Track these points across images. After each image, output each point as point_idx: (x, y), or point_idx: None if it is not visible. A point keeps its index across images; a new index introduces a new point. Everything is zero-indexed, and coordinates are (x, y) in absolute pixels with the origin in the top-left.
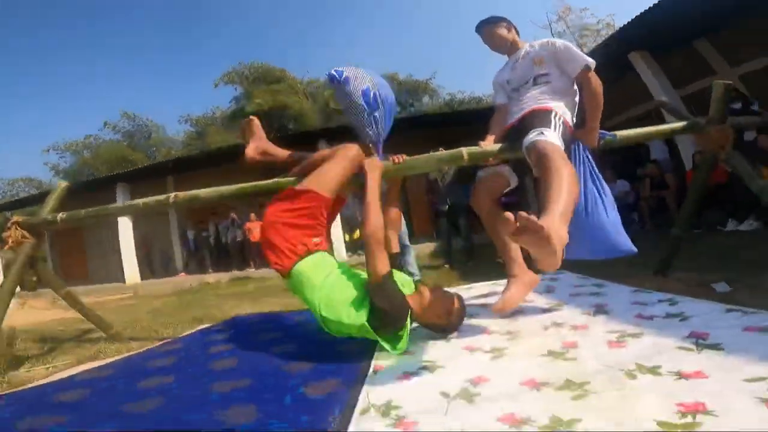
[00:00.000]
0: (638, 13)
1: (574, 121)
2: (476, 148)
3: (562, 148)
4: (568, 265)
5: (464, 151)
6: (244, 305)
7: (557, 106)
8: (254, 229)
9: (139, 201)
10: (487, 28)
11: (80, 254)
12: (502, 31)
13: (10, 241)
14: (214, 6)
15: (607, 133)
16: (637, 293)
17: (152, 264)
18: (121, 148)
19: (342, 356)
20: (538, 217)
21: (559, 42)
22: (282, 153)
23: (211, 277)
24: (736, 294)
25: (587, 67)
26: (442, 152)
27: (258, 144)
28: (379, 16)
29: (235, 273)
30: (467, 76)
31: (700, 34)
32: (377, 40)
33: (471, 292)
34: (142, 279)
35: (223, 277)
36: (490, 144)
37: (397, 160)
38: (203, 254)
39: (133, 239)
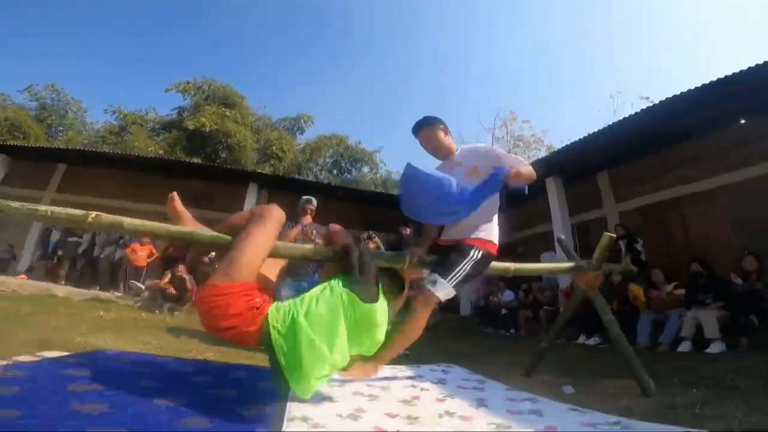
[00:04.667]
0: (560, 147)
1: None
2: (421, 258)
3: (448, 296)
4: (459, 359)
5: (407, 258)
6: (103, 336)
7: (484, 234)
8: (139, 252)
9: (47, 210)
10: (426, 129)
11: None
12: (440, 135)
13: None
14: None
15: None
16: (509, 391)
17: None
18: (23, 116)
19: (239, 419)
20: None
21: (487, 147)
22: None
23: (61, 290)
24: (578, 395)
25: (519, 163)
26: (389, 252)
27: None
28: (349, 76)
29: (97, 293)
30: (407, 157)
31: (603, 168)
32: (342, 98)
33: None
34: None
35: (78, 293)
36: (422, 251)
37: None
38: (62, 263)
39: None
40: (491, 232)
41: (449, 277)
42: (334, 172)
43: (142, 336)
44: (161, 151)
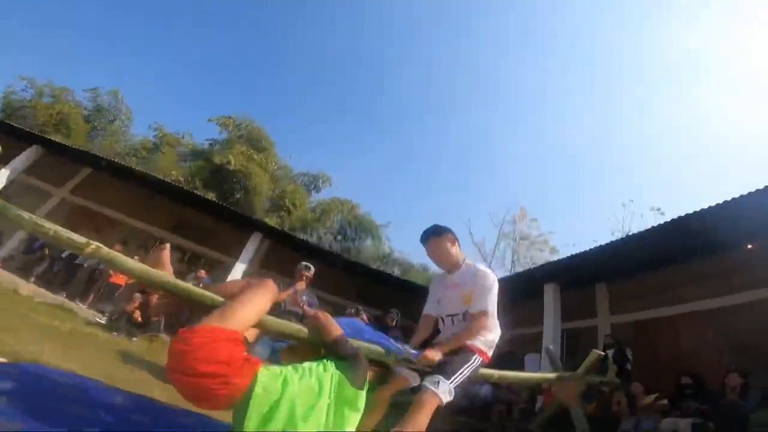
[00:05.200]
0: (563, 250)
1: (495, 341)
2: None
3: (449, 398)
4: None
5: (396, 356)
6: (49, 347)
7: (483, 343)
8: None
9: (51, 228)
10: (433, 240)
11: None
12: (447, 245)
13: None
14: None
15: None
16: None
17: None
18: (75, 114)
19: None
20: None
21: (482, 279)
22: None
23: (27, 288)
24: None
25: (482, 313)
26: (380, 349)
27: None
28: (377, 150)
29: (63, 300)
30: (411, 237)
31: (602, 279)
32: (364, 169)
33: None
34: None
35: (43, 295)
36: (433, 354)
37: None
38: (41, 261)
39: None
40: (490, 342)
41: (452, 380)
42: (338, 237)
43: (91, 357)
44: (181, 179)
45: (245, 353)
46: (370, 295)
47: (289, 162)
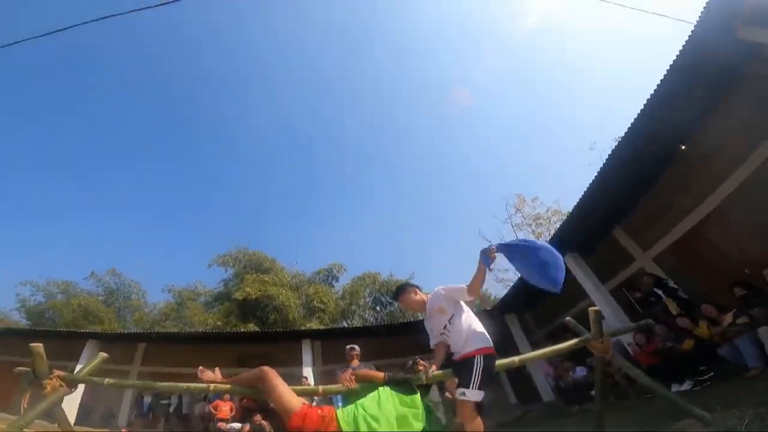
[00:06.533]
0: (565, 217)
1: (483, 333)
2: (438, 372)
3: (477, 397)
4: None
5: (423, 375)
6: None
7: (476, 343)
8: (222, 407)
9: (185, 385)
10: (401, 297)
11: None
12: (412, 296)
13: (49, 387)
14: (230, 187)
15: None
16: None
17: (90, 415)
18: (94, 302)
19: None
20: None
21: (441, 289)
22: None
23: None
24: None
25: (466, 292)
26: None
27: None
28: (368, 212)
29: None
30: (440, 277)
31: (616, 222)
32: (364, 235)
33: None
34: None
35: None
36: (433, 367)
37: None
38: (157, 420)
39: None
40: (481, 339)
41: (470, 385)
42: (377, 308)
43: None
44: (219, 322)
45: (317, 413)
46: (420, 343)
47: (297, 268)
